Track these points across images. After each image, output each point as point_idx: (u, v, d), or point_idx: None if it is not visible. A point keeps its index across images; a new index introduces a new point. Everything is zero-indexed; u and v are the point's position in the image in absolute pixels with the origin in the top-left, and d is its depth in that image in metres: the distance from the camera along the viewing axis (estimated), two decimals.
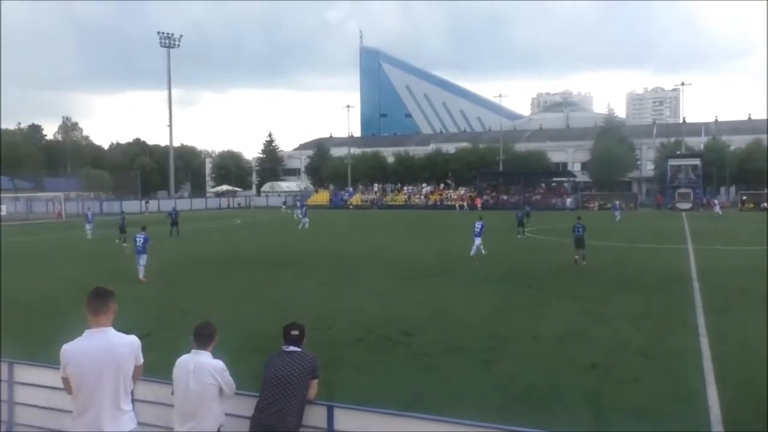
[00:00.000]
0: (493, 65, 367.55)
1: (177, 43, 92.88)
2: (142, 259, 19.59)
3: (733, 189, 79.88)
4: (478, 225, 25.99)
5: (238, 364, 7.26)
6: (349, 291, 17.09)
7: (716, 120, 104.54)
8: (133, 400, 4.88)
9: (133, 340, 4.54)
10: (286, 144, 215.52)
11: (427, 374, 9.39)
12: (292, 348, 5.36)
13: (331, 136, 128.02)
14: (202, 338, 5.12)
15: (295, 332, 5.42)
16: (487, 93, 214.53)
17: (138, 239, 19.96)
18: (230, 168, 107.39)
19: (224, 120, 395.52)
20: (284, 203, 69.60)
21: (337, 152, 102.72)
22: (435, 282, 18.56)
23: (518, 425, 5.05)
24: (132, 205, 73.71)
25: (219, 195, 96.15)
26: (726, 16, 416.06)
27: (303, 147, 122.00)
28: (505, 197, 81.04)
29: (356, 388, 8.66)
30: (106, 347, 4.38)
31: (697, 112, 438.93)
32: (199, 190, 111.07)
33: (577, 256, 22.72)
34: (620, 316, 13.31)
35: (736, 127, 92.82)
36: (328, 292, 16.93)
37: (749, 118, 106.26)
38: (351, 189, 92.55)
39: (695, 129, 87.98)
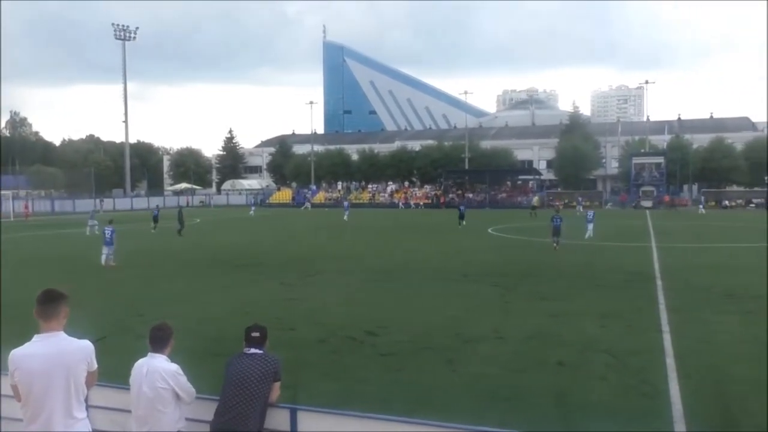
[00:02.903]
0: (458, 62, 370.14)
1: (133, 35, 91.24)
2: (110, 249, 22.33)
3: (695, 187, 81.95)
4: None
5: (198, 368, 7.18)
6: (313, 291, 17.01)
7: (679, 118, 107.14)
8: (88, 407, 4.78)
9: (85, 345, 4.44)
10: (247, 141, 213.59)
11: (392, 375, 9.41)
12: (253, 350, 5.32)
13: (293, 133, 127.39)
14: (158, 341, 5.04)
15: (256, 334, 5.38)
16: (453, 90, 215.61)
17: (106, 232, 22.64)
18: (189, 165, 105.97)
19: (182, 116, 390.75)
20: (253, 206, 68.70)
21: (299, 149, 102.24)
22: (400, 281, 18.61)
23: (485, 425, 5.10)
24: (86, 204, 72.06)
25: (177, 193, 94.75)
26: (689, 16, 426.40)
27: (265, 144, 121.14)
28: (470, 195, 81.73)
29: (320, 390, 8.63)
30: (57, 353, 4.27)
31: (661, 111, 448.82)
32: (156, 188, 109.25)
33: (555, 244, 26.70)
34: (586, 315, 13.54)
35: (698, 126, 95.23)
36: (290, 292, 16.84)
37: (711, 116, 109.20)
38: (314, 187, 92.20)
39: (659, 127, 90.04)
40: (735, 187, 77.59)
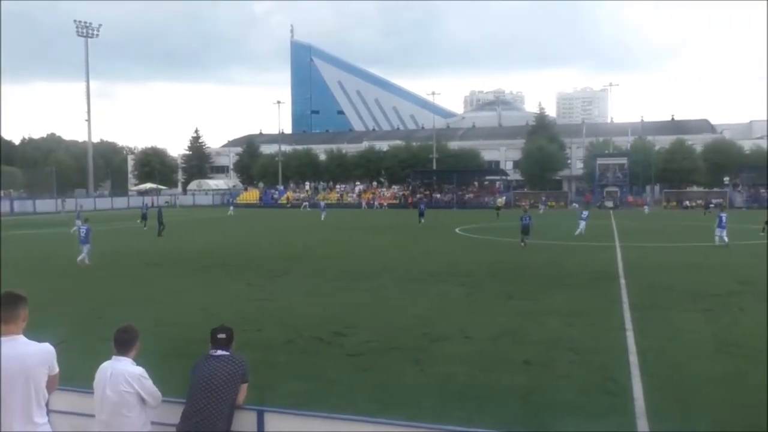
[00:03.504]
0: (426, 63, 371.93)
1: (95, 32, 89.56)
2: (85, 248, 22.55)
3: (657, 188, 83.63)
4: None
5: (164, 370, 7.08)
6: (280, 292, 16.92)
7: (642, 120, 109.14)
8: (49, 412, 4.68)
9: (46, 349, 4.34)
10: (213, 141, 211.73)
11: (360, 375, 9.41)
12: (220, 352, 5.27)
13: (261, 133, 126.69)
14: (122, 343, 4.95)
15: (222, 335, 5.33)
16: (421, 90, 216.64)
17: (81, 230, 23.15)
18: (154, 165, 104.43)
19: (147, 115, 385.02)
20: (232, 207, 68.46)
21: (267, 149, 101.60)
22: (368, 282, 18.61)
23: (452, 425, 5.14)
24: (47, 204, 70.61)
25: (142, 193, 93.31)
26: (652, 19, 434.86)
27: (232, 144, 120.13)
28: (438, 195, 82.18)
29: (287, 391, 8.59)
30: (16, 357, 4.17)
31: (625, 113, 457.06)
32: (120, 188, 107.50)
33: (523, 243, 27.93)
34: (552, 314, 13.71)
35: (660, 128, 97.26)
36: (257, 293, 16.72)
37: (672, 119, 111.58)
38: (282, 187, 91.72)
39: (622, 129, 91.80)
40: (695, 188, 79.39)
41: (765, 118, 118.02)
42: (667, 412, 7.85)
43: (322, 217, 52.67)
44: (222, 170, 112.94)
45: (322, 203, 63.45)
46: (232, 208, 67.85)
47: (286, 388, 8.80)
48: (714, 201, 68.38)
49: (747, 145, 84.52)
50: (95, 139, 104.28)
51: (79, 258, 22.52)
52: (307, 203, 76.40)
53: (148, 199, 77.46)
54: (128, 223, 46.80)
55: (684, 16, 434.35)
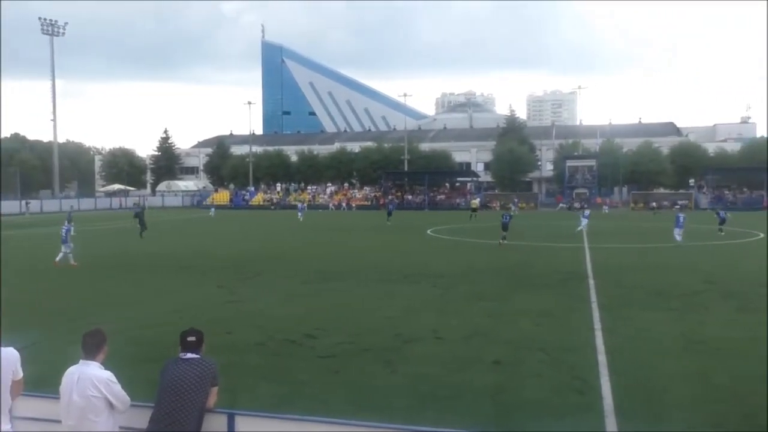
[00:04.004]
0: (397, 64, 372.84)
1: (61, 31, 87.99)
2: (67, 248, 22.60)
3: (625, 189, 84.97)
4: None
5: (133, 374, 7.00)
6: (250, 294, 16.81)
7: (610, 123, 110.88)
8: (14, 418, 4.59)
9: (9, 354, 4.26)
10: (183, 141, 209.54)
11: (331, 377, 9.40)
12: (189, 355, 5.22)
13: (231, 134, 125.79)
14: (90, 347, 4.89)
15: (192, 338, 5.28)
16: (392, 92, 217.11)
17: (62, 230, 23.29)
18: (122, 166, 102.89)
19: (115, 115, 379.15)
20: (213, 208, 68.76)
21: (237, 150, 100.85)
22: (339, 283, 18.59)
23: (424, 425, 5.17)
24: (11, 206, 69.07)
25: (110, 195, 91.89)
26: (619, 23, 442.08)
27: (202, 144, 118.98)
28: (410, 197, 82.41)
29: (259, 394, 8.55)
30: None
31: (593, 115, 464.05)
32: (87, 189, 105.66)
33: (501, 240, 29.65)
34: (522, 314, 13.85)
35: (627, 130, 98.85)
36: (227, 295, 16.59)
37: (640, 121, 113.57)
38: (252, 188, 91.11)
39: (591, 131, 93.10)
40: (662, 190, 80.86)
41: (728, 122, 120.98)
42: (635, 410, 7.98)
43: (300, 217, 53.76)
44: (192, 171, 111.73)
45: (300, 204, 64.96)
46: (213, 209, 68.16)
47: (257, 390, 8.76)
48: (680, 202, 69.77)
49: (711, 147, 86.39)
50: (61, 140, 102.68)
51: (58, 258, 22.53)
52: (213, 208, 74.71)
53: (137, 200, 76.70)
54: (109, 223, 46.05)
55: (649, 21, 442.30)
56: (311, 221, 51.63)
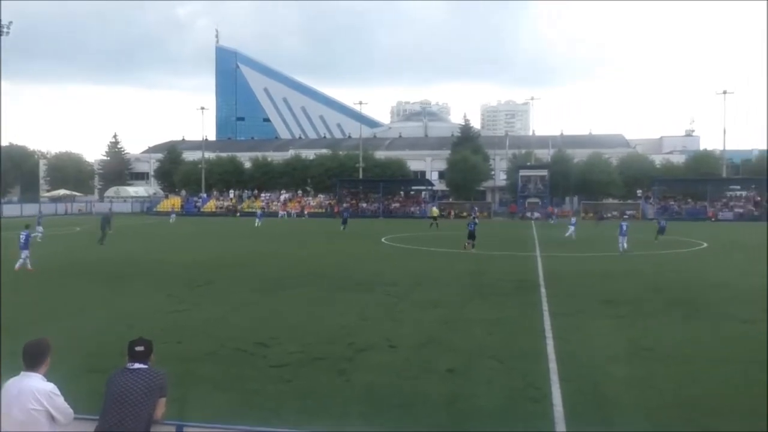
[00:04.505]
0: (353, 72, 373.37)
1: (5, 30, 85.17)
2: (25, 254, 22.73)
3: (576, 199, 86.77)
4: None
5: (77, 385, 6.79)
6: (201, 302, 16.53)
7: (562, 134, 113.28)
8: None
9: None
10: (133, 146, 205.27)
11: (284, 386, 9.30)
12: (137, 365, 5.09)
13: (183, 139, 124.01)
14: (32, 358, 4.71)
15: (140, 348, 5.15)
16: (348, 100, 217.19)
17: (21, 236, 23.12)
18: (68, 171, 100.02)
19: (61, 118, 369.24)
20: (173, 215, 68.68)
21: (190, 156, 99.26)
22: (292, 291, 18.45)
23: None
24: None
25: (55, 200, 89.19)
26: (571, 37, 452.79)
27: (152, 150, 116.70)
28: (364, 205, 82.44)
29: (209, 405, 8.40)
30: None
31: (546, 126, 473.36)
32: (31, 194, 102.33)
33: (468, 246, 31.10)
34: (475, 322, 13.98)
35: (578, 141, 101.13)
36: (177, 303, 16.27)
37: (590, 133, 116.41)
38: (205, 195, 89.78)
39: (543, 142, 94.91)
40: (611, 200, 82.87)
41: (674, 135, 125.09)
42: (585, 415, 8.13)
43: (257, 223, 55.17)
44: (142, 177, 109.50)
45: (259, 211, 66.38)
46: (173, 215, 68.02)
47: (208, 401, 8.61)
48: (628, 212, 71.55)
49: (658, 159, 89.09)
50: (4, 143, 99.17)
51: (18, 264, 22.55)
52: (173, 214, 73.00)
53: (106, 205, 75.19)
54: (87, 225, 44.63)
55: (599, 35, 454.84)
56: (266, 228, 51.19)
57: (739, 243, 38.65)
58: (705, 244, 36.05)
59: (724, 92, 78.80)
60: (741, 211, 74.80)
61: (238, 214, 79.50)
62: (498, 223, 63.03)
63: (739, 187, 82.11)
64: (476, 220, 35.87)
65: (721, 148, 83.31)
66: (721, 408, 8.42)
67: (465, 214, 69.21)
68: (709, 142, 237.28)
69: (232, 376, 9.81)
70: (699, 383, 9.43)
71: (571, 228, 41.38)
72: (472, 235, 31.69)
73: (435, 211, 62.29)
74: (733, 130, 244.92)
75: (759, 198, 76.21)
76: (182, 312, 15.15)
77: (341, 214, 56.81)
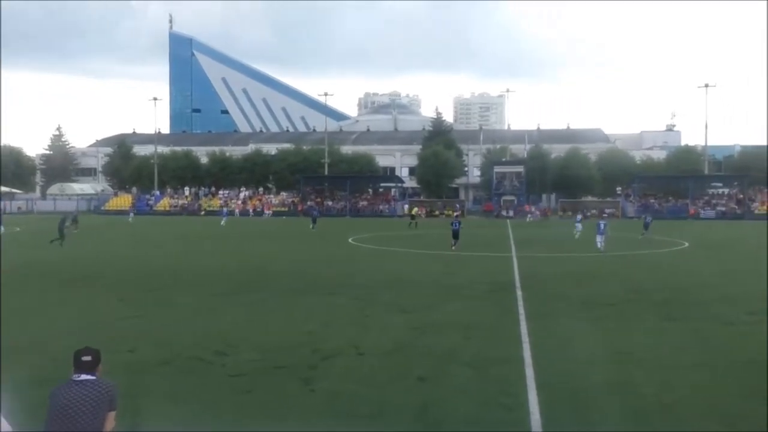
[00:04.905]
0: (318, 61, 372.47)
1: None
2: None
3: (553, 196, 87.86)
4: None
5: (18, 400, 6.66)
6: (155, 308, 16.34)
7: (538, 128, 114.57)
8: None
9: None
10: (79, 140, 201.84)
11: (243, 397, 9.25)
12: (84, 376, 5.01)
13: (134, 132, 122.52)
14: None
15: (87, 358, 5.08)
16: (312, 91, 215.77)
17: None
18: (7, 166, 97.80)
19: None
20: (131, 214, 68.66)
21: (141, 150, 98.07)
22: (253, 295, 18.36)
23: None
24: None
25: None
26: (548, 28, 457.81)
27: (100, 144, 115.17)
28: (330, 203, 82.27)
29: (163, 417, 8.33)
30: None
31: (522, 120, 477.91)
32: None
33: (453, 246, 31.81)
34: (448, 326, 14.05)
35: (556, 136, 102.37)
36: (129, 310, 16.05)
37: (568, 127, 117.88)
38: (158, 192, 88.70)
39: (519, 136, 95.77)
40: (590, 198, 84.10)
41: (654, 129, 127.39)
42: (562, 423, 8.24)
43: (223, 222, 56.76)
44: (89, 173, 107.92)
45: (225, 209, 69.06)
46: (131, 214, 67.88)
47: (162, 413, 8.53)
48: (608, 210, 72.76)
49: (638, 155, 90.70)
50: None
51: None
52: (132, 213, 72.30)
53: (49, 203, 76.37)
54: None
55: (576, 26, 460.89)
56: (229, 228, 50.84)
57: (721, 242, 39.56)
58: (686, 244, 36.81)
59: (706, 86, 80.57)
60: (723, 209, 76.55)
61: (203, 212, 79.05)
62: (472, 222, 63.39)
63: (721, 184, 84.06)
64: (445, 213, 36.56)
65: (703, 144, 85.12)
66: (702, 414, 8.61)
67: (449, 212, 69.67)
68: (691, 137, 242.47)
69: (187, 387, 9.72)
70: (679, 388, 9.63)
71: (578, 227, 41.09)
72: (456, 235, 32.51)
73: (415, 209, 62.93)
74: (715, 124, 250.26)
75: (741, 195, 78.08)
76: (134, 318, 14.96)
77: (310, 213, 57.53)
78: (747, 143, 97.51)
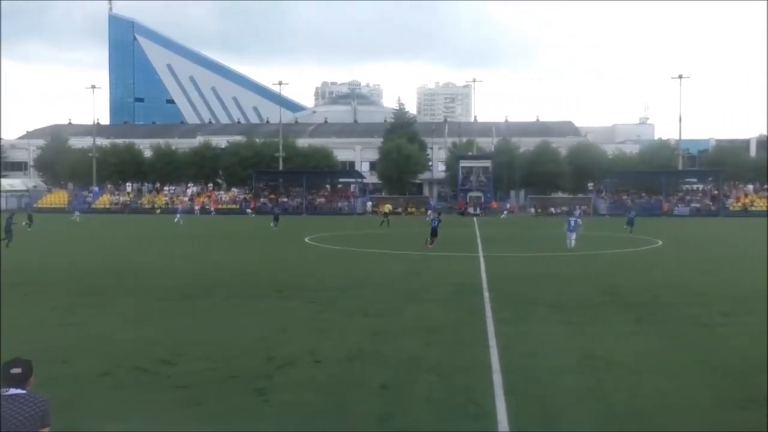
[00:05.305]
0: (272, 48, 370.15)
1: None
2: None
3: (522, 193, 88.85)
4: None
5: None
6: (92, 314, 16.07)
7: (506, 120, 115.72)
8: None
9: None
10: (8, 131, 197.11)
11: (191, 410, 9.15)
12: (13, 391, 4.91)
13: (70, 123, 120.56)
14: None
15: (17, 370, 4.97)
16: (266, 79, 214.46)
17: None
18: None
19: None
20: (77, 212, 68.01)
21: (78, 143, 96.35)
22: (202, 300, 18.18)
23: None
24: None
25: None
26: (517, 15, 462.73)
27: (32, 135, 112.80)
28: (285, 200, 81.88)
29: None
30: None
31: (489, 112, 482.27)
32: None
33: (431, 245, 32.42)
34: (411, 331, 14.10)
35: (525, 129, 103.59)
36: (64, 316, 15.78)
37: (537, 119, 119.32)
38: (97, 188, 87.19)
39: (486, 129, 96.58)
40: (560, 194, 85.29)
41: (627, 122, 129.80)
42: (531, 431, 8.36)
43: (176, 220, 57.55)
44: (19, 167, 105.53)
45: (179, 207, 69.04)
46: (77, 213, 66.80)
47: (101, 430, 8.40)
48: (581, 207, 73.93)
49: (610, 149, 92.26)
50: None
51: None
52: (77, 212, 71.28)
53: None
54: None
55: (547, 14, 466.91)
56: (182, 227, 50.23)
57: (695, 241, 40.48)
58: (660, 242, 37.57)
59: (680, 77, 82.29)
60: (697, 206, 78.39)
61: (158, 210, 78.22)
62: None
63: (695, 179, 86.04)
64: (439, 217, 37.07)
65: (677, 138, 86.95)
66: (674, 419, 8.80)
67: (411, 210, 69.98)
68: (665, 130, 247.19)
69: (129, 400, 9.59)
70: (652, 394, 9.82)
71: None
72: (434, 233, 33.33)
73: (387, 207, 63.43)
74: (690, 117, 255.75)
75: (716, 192, 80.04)
76: (70, 326, 14.70)
77: (272, 211, 58.52)
78: (722, 137, 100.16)
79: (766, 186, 79.33)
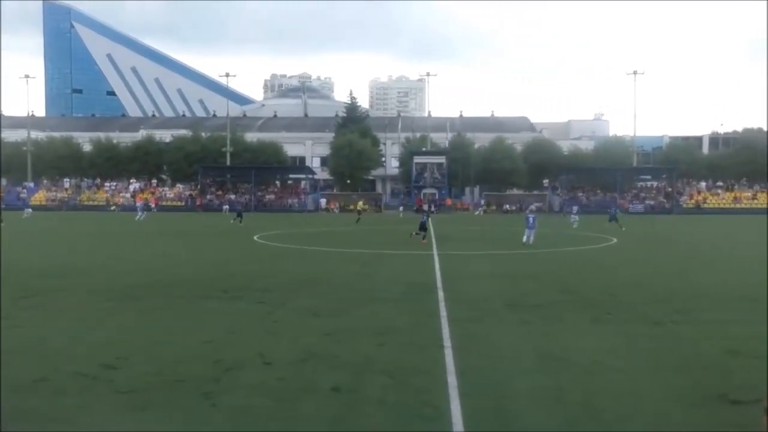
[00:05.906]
0: (219, 38, 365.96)
1: None
2: None
3: (477, 189, 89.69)
4: None
5: None
6: (26, 317, 15.70)
7: (461, 115, 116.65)
8: None
9: None
10: None
11: (135, 416, 9.02)
12: None
13: (2, 115, 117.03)
14: None
15: None
16: (212, 71, 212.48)
17: None
18: None
19: None
20: (29, 209, 67.10)
21: (11, 135, 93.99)
22: (146, 301, 17.92)
23: None
24: None
25: None
26: (472, 8, 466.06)
27: None
28: (233, 196, 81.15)
29: None
30: None
31: (443, 107, 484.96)
32: None
33: (424, 240, 34.25)
34: (363, 332, 14.12)
35: (479, 124, 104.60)
36: None
37: (492, 114, 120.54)
38: (32, 184, 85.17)
39: (441, 124, 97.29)
40: (515, 191, 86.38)
41: (582, 119, 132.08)
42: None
43: (138, 217, 58.12)
44: None
45: (139, 203, 68.56)
46: (28, 210, 65.48)
47: None
48: (536, 205, 74.97)
49: (565, 145, 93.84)
50: None
51: None
52: (29, 209, 69.78)
53: None
54: None
55: (502, 7, 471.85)
56: (139, 225, 49.38)
57: (650, 238, 41.44)
58: (615, 240, 38.33)
59: (635, 73, 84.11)
60: (652, 203, 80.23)
61: (113, 208, 77.01)
62: (389, 218, 63.93)
63: (650, 176, 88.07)
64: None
65: (632, 134, 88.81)
66: (630, 419, 8.99)
67: (364, 207, 69.99)
68: (620, 127, 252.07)
69: (69, 408, 9.39)
70: (609, 393, 10.01)
71: (575, 218, 48.33)
72: (423, 227, 35.61)
73: (360, 204, 63.71)
74: (644, 114, 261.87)
75: (670, 189, 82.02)
76: (5, 329, 14.33)
77: (234, 209, 60.66)
78: (676, 134, 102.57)
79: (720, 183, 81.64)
